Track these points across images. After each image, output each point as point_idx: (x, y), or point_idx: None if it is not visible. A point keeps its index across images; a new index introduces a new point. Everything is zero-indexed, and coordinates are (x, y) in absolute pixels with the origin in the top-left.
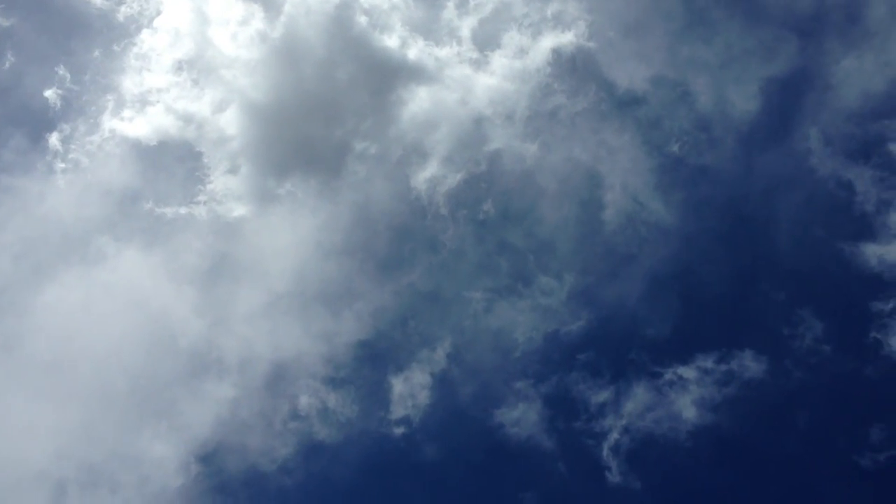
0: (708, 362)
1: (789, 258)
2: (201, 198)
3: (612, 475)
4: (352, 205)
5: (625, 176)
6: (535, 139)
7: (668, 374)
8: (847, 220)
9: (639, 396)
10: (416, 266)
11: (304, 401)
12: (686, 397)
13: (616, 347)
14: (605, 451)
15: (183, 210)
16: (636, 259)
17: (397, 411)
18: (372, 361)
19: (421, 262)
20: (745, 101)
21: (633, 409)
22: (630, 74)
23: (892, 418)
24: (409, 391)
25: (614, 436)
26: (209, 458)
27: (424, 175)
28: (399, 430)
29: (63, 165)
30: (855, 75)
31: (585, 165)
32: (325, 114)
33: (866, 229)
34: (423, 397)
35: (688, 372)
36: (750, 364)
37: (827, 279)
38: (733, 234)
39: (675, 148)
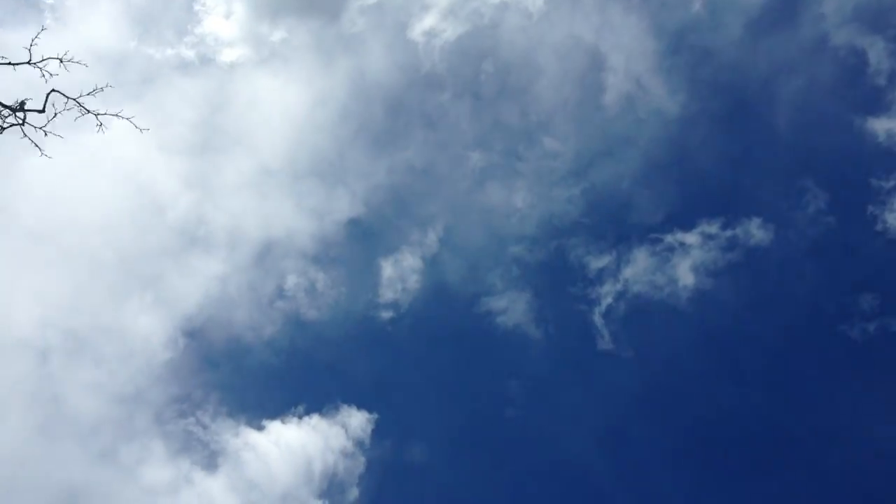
0: (713, 227)
1: (796, 131)
2: (189, 39)
3: (604, 342)
4: (347, 74)
5: (628, 58)
6: None
7: (669, 239)
8: (857, 92)
9: (639, 261)
10: (410, 141)
11: (292, 280)
12: (687, 262)
13: (618, 213)
14: (598, 318)
15: (170, 51)
16: (635, 141)
17: (386, 295)
18: (362, 242)
19: (416, 136)
20: None
21: (631, 275)
22: None
23: (883, 289)
24: (399, 274)
25: (608, 301)
26: (196, 333)
27: (423, 27)
28: (387, 314)
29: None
30: None
31: (588, 45)
32: None
33: (876, 103)
34: (413, 282)
35: (690, 237)
36: (755, 231)
37: (834, 151)
38: (736, 114)
39: (680, 30)
